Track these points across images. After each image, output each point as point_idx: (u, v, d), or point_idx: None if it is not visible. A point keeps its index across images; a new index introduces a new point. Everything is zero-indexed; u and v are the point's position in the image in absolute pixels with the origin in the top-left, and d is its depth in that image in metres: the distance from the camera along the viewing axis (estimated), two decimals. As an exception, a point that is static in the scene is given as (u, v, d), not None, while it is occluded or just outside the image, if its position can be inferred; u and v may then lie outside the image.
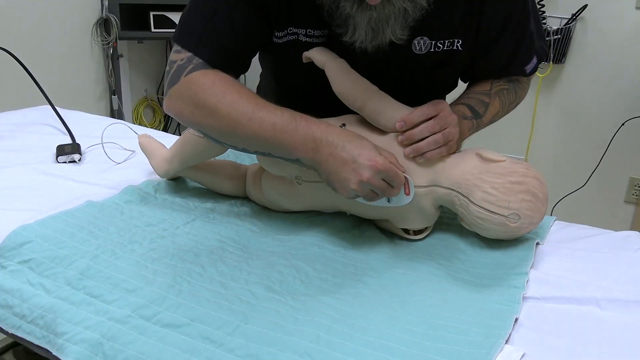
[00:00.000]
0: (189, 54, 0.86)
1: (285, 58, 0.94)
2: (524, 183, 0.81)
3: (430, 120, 0.86)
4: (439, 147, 0.85)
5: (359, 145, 0.80)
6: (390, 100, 0.89)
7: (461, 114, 0.93)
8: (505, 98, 1.00)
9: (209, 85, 0.83)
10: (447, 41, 0.91)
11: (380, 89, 0.90)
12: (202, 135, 0.92)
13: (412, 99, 0.90)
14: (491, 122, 1.01)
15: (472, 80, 1.04)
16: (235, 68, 0.90)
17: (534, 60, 0.99)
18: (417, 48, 0.91)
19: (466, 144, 1.00)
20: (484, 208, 0.82)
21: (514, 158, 0.84)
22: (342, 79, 0.89)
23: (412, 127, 0.86)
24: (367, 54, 0.87)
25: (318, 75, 0.91)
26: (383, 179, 0.80)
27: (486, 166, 0.83)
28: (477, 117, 0.96)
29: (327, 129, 0.82)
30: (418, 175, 0.86)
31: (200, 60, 0.86)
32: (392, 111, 0.87)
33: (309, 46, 0.91)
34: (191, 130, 0.97)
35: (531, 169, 0.84)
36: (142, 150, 1.10)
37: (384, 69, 0.93)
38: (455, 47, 0.92)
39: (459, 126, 0.89)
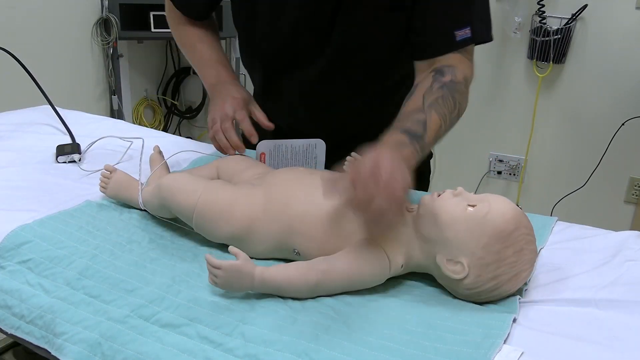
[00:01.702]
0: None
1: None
2: None
3: (364, 188, 0.72)
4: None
5: (214, 104, 1.07)
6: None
7: (399, 143, 0.86)
8: (442, 109, 0.92)
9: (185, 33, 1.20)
10: None
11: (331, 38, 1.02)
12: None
13: (362, 56, 0.99)
14: (437, 138, 0.92)
15: (413, 56, 1.02)
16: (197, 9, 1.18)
17: (467, 30, 0.98)
18: None
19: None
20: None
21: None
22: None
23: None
24: None
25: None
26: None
27: None
28: (417, 140, 0.87)
29: (221, 82, 1.08)
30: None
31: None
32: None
33: None
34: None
35: None
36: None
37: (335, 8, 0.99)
38: None
39: (401, 164, 0.76)
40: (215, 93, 1.09)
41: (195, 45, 1.18)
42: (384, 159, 0.73)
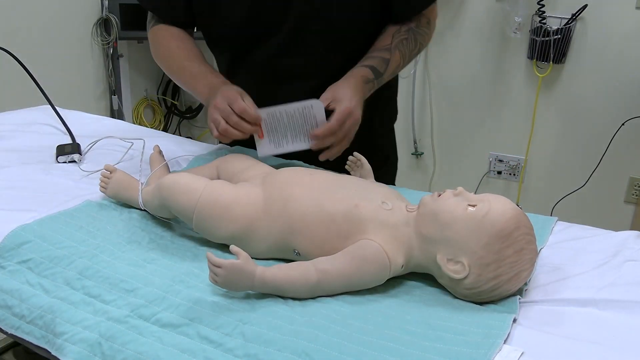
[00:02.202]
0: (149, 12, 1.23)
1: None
2: None
3: (336, 135, 0.98)
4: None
5: (210, 106, 1.01)
6: None
7: (364, 79, 1.06)
8: (405, 48, 1.12)
9: (160, 38, 1.21)
10: None
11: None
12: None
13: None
14: (393, 75, 1.14)
15: (394, 19, 1.14)
16: (176, 17, 1.20)
17: None
18: None
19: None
20: None
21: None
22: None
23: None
24: None
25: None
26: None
27: None
28: (378, 77, 1.09)
29: (213, 88, 1.04)
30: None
31: (155, 16, 1.22)
32: None
33: None
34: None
35: None
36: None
37: None
38: None
39: (361, 104, 1.02)
40: (209, 99, 1.04)
41: (183, 63, 1.15)
42: (352, 117, 0.98)
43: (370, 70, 1.08)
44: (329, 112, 0.99)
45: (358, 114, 1.01)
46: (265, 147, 1.02)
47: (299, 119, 1.00)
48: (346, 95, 1.00)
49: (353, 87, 1.03)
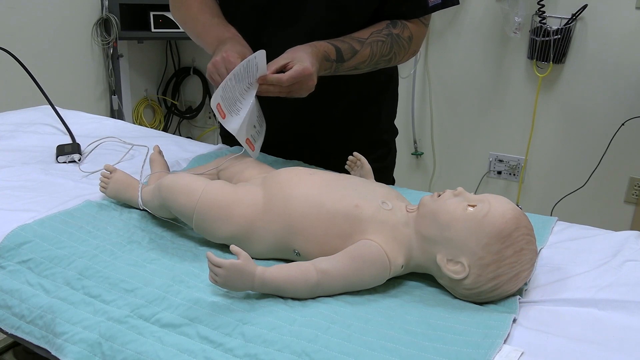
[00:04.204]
0: None
1: None
2: None
3: (280, 88, 0.96)
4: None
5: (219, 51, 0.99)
6: None
7: (325, 56, 1.02)
8: (377, 49, 1.09)
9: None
10: None
11: None
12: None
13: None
14: (353, 69, 1.09)
15: (384, 17, 1.12)
16: None
17: None
18: None
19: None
20: None
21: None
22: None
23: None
24: None
25: None
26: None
27: None
28: (339, 61, 1.05)
29: (227, 38, 1.03)
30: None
31: None
32: None
33: None
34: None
35: None
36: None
37: None
38: None
39: (314, 77, 0.97)
40: (215, 53, 1.03)
41: (197, 16, 1.15)
42: (310, 80, 0.96)
43: (335, 50, 1.05)
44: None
45: (314, 81, 0.97)
46: (230, 123, 0.95)
47: (244, 74, 0.95)
48: (307, 59, 0.97)
49: (314, 56, 0.99)
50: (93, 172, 1.10)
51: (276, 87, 0.96)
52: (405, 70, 2.64)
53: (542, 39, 2.33)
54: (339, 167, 1.03)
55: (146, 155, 1.10)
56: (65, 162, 1.16)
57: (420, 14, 1.13)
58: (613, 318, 0.71)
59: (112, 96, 2.81)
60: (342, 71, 1.07)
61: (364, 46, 1.08)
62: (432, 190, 0.98)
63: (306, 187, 0.83)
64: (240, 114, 0.96)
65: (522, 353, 0.65)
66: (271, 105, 1.08)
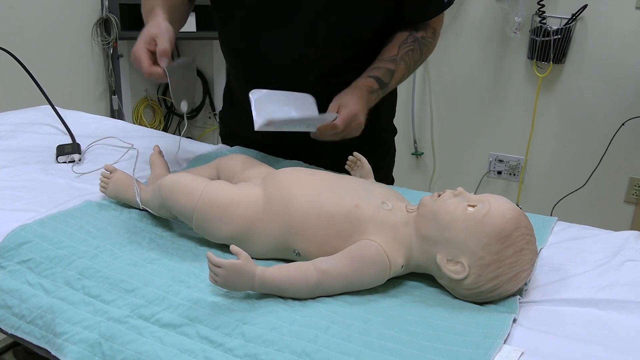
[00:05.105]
0: None
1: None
2: None
3: (336, 134, 1.02)
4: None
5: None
6: None
7: (369, 90, 1.08)
8: (410, 60, 1.14)
9: None
10: None
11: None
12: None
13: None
14: (396, 85, 1.17)
15: (405, 22, 1.16)
16: None
17: None
18: None
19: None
20: None
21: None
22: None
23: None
24: None
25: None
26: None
27: None
28: (382, 87, 1.11)
29: (155, 20, 1.04)
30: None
31: None
32: None
33: None
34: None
35: None
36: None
37: None
38: None
39: (365, 111, 1.05)
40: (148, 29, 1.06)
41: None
42: (356, 119, 1.02)
43: (375, 80, 1.10)
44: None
45: (362, 119, 1.03)
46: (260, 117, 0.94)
47: (299, 102, 1.03)
48: (352, 100, 1.03)
49: (358, 96, 1.05)
50: (92, 172, 1.10)
51: (332, 133, 1.02)
52: (405, 70, 2.64)
53: (542, 39, 2.33)
54: (338, 167, 1.03)
55: (136, 157, 1.10)
56: (65, 162, 1.16)
57: (440, 10, 1.17)
58: (613, 318, 0.71)
59: (112, 96, 2.81)
60: (387, 92, 1.14)
61: (397, 63, 1.12)
62: (432, 191, 0.99)
63: (306, 187, 0.83)
64: (279, 114, 0.99)
65: (522, 353, 0.65)
66: None
